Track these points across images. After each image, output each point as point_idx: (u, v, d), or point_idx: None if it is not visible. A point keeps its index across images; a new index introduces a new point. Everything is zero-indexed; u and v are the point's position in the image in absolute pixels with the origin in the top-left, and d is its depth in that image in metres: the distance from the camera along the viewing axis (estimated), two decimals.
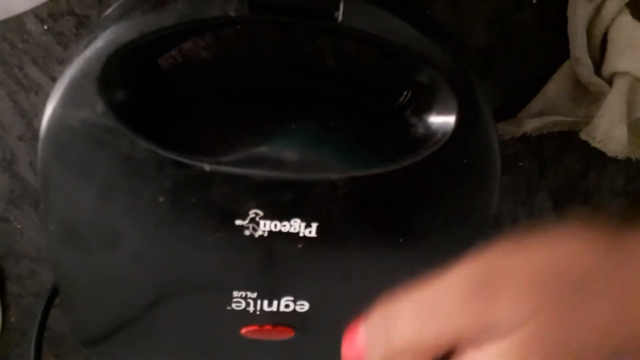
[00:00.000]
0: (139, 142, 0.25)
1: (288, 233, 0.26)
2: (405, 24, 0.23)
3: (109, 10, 0.26)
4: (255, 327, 0.30)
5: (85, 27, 0.33)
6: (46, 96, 0.25)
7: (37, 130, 0.37)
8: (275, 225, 0.26)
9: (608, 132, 0.40)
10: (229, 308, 0.29)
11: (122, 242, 0.27)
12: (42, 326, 0.37)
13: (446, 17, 0.35)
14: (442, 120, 0.26)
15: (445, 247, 0.29)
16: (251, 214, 0.26)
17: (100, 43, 0.23)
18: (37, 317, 0.36)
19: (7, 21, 0.32)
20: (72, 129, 0.24)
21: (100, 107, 0.24)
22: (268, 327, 0.30)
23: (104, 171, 0.25)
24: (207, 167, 0.25)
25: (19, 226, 0.40)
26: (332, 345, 0.33)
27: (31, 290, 0.44)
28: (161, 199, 0.26)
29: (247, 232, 0.26)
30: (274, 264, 0.28)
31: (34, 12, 0.32)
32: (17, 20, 0.33)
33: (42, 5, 0.32)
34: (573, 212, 0.45)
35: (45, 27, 0.33)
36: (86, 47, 0.23)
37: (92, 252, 0.28)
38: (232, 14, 0.22)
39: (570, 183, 0.44)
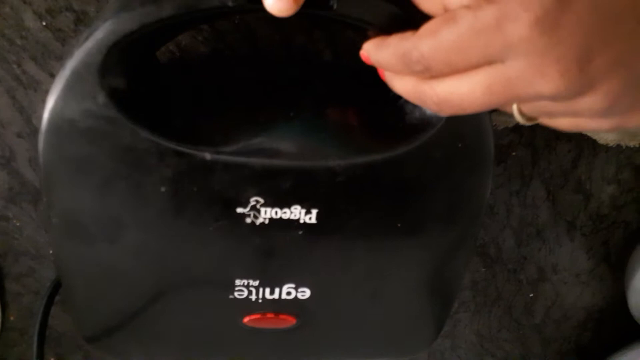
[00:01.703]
0: (140, 132, 0.25)
1: (288, 220, 0.27)
2: (400, 11, 0.23)
3: (109, 2, 0.26)
4: (257, 316, 0.31)
5: (83, 23, 0.33)
6: (45, 93, 0.25)
7: (36, 127, 0.37)
8: (276, 213, 0.27)
9: None
10: (231, 297, 0.30)
11: (125, 233, 0.27)
12: (44, 324, 0.37)
13: None
14: None
15: (442, 231, 0.29)
16: (252, 201, 0.26)
17: (101, 34, 0.23)
18: (38, 315, 0.36)
19: (5, 17, 0.33)
20: (74, 121, 0.25)
21: (101, 98, 0.24)
22: (270, 315, 0.31)
23: (105, 162, 0.25)
24: (207, 156, 0.25)
25: (18, 224, 0.41)
26: (333, 332, 0.33)
27: (30, 289, 0.44)
28: (163, 189, 0.26)
29: (248, 220, 0.27)
30: (275, 252, 0.28)
31: (32, 8, 0.33)
32: (15, 17, 0.33)
33: (41, 1, 0.32)
34: (566, 200, 0.46)
35: (44, 24, 0.33)
36: (87, 38, 0.24)
37: (96, 243, 0.28)
38: (230, 3, 0.22)
39: (563, 172, 0.44)
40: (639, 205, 0.48)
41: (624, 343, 0.52)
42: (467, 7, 0.18)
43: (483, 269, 0.48)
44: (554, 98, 0.18)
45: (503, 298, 0.50)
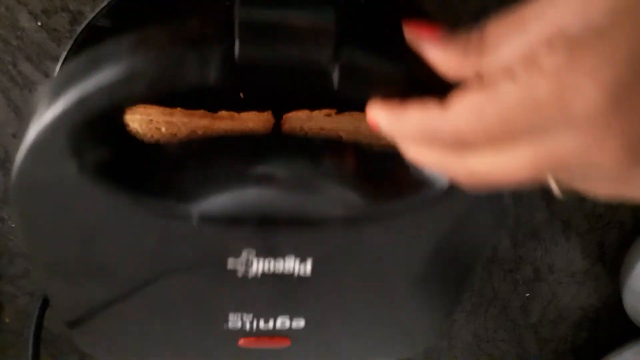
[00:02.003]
0: (119, 196, 0.23)
1: (282, 272, 0.26)
2: (415, 74, 0.19)
3: (67, 59, 0.24)
4: (252, 339, 0.30)
5: (79, 23, 0.33)
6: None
7: None
8: (269, 264, 0.26)
9: None
10: (225, 327, 0.29)
11: (110, 283, 0.26)
12: (39, 326, 0.36)
13: (435, 11, 0.36)
14: None
15: (444, 272, 0.29)
16: (243, 255, 0.25)
17: (64, 106, 0.20)
18: (34, 316, 0.36)
19: (0, 18, 0.32)
20: (44, 184, 0.22)
21: (72, 167, 0.21)
22: (264, 338, 0.30)
23: (82, 221, 0.23)
24: (195, 215, 0.24)
25: (13, 225, 0.40)
26: (327, 346, 0.33)
27: (26, 290, 0.43)
28: (148, 246, 0.25)
29: (240, 274, 0.26)
30: (269, 296, 0.28)
31: (28, 8, 0.32)
32: (11, 17, 0.33)
33: (36, 1, 0.32)
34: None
35: (39, 24, 0.33)
36: (49, 106, 0.20)
37: (80, 285, 0.27)
38: (212, 79, 0.18)
39: None
40: (633, 206, 0.48)
41: (619, 342, 0.53)
42: (511, 77, 0.15)
43: (479, 269, 0.48)
44: (609, 172, 0.16)
45: (499, 298, 0.50)
